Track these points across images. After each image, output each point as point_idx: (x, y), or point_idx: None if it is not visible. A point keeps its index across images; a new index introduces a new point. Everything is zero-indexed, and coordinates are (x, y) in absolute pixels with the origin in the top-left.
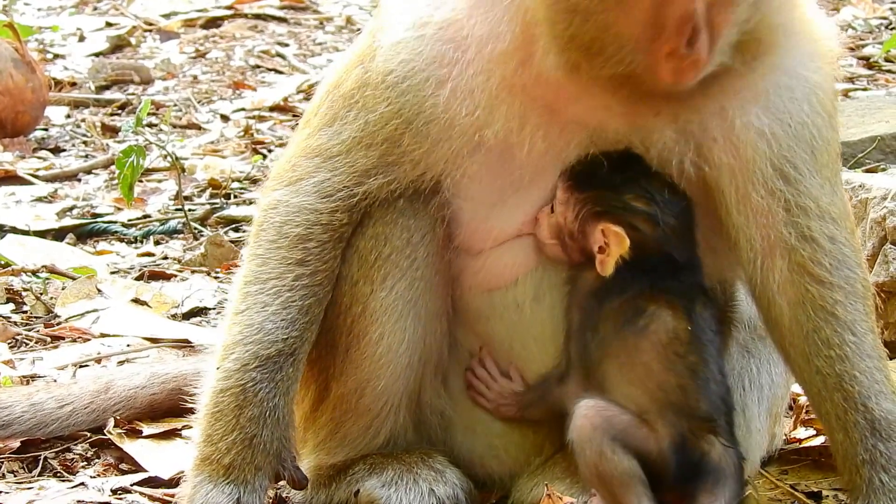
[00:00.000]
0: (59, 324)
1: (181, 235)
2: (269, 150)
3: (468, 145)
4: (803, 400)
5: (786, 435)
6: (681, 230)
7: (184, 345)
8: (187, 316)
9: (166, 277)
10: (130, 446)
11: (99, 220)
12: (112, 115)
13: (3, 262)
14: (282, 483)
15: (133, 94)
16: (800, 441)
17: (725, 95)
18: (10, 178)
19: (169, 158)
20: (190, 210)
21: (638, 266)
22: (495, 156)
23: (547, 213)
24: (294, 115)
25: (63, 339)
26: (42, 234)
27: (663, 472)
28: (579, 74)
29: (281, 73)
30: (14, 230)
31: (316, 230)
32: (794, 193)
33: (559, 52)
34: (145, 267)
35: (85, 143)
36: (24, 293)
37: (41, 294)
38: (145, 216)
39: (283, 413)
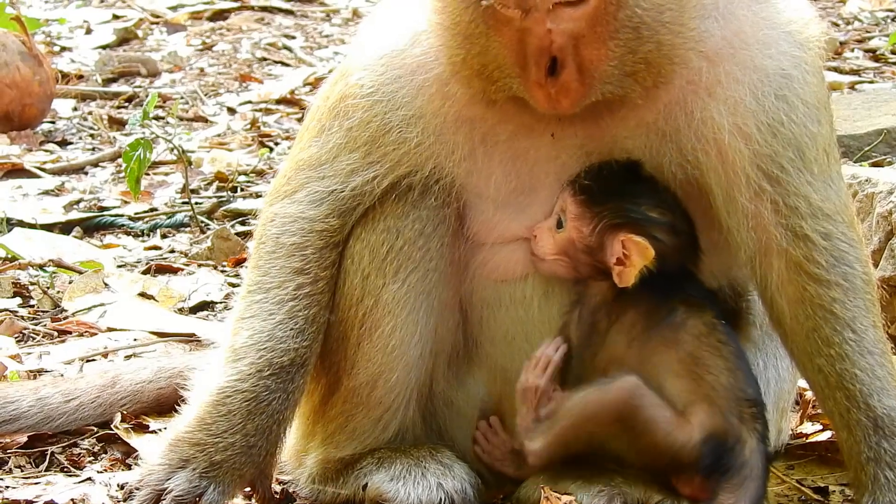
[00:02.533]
0: (65, 318)
1: (188, 229)
2: (276, 143)
3: (458, 150)
4: (810, 395)
5: (792, 430)
6: (691, 237)
7: (191, 339)
8: (194, 310)
9: (173, 271)
10: (137, 441)
11: (106, 213)
12: (119, 107)
13: (9, 256)
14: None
15: (140, 86)
16: (806, 436)
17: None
18: (16, 171)
19: (176, 151)
20: (197, 203)
21: (653, 275)
22: (497, 157)
23: (549, 228)
24: (301, 108)
25: (70, 333)
26: (49, 227)
27: (688, 462)
28: (485, 100)
29: (288, 65)
30: (21, 223)
31: (312, 238)
32: (781, 193)
33: (459, 80)
34: (152, 261)
35: (92, 136)
36: (30, 287)
37: (48, 288)
38: (152, 209)
39: (286, 428)
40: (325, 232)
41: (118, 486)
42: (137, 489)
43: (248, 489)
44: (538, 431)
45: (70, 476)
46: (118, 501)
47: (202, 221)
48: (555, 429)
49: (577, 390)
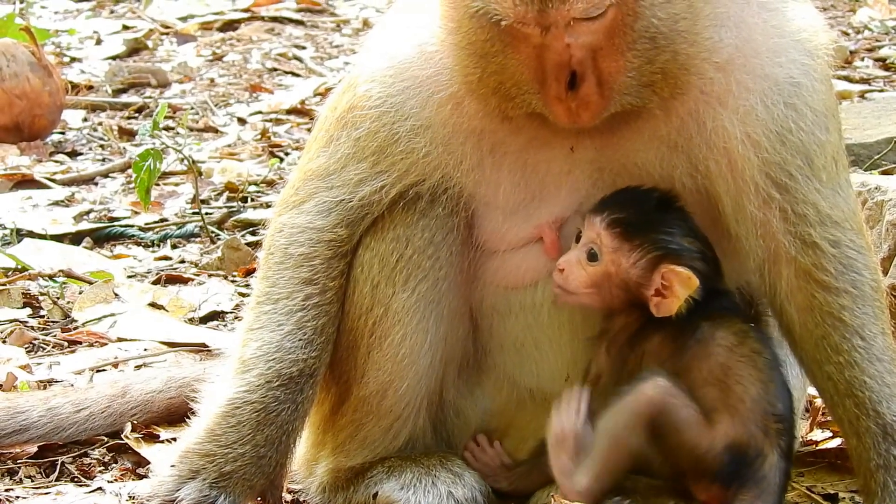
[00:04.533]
0: (75, 328)
1: (198, 239)
2: (286, 154)
3: (465, 160)
4: (820, 402)
5: (802, 437)
6: (716, 261)
7: (201, 349)
8: (204, 320)
9: (183, 281)
10: (148, 451)
11: (116, 223)
12: (129, 118)
13: (20, 267)
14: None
15: (150, 97)
16: (816, 443)
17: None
18: (26, 182)
19: (186, 162)
20: (207, 214)
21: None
22: (506, 168)
23: (579, 262)
24: (311, 118)
25: (80, 343)
26: (59, 238)
27: (708, 469)
28: (500, 115)
29: (298, 75)
30: (31, 234)
31: (320, 248)
32: (790, 201)
33: (475, 98)
34: (162, 271)
35: (102, 146)
36: (40, 297)
37: (58, 298)
38: (162, 220)
39: (296, 438)
40: (333, 242)
41: (129, 495)
42: (148, 500)
43: (258, 499)
44: (580, 470)
45: (80, 486)
46: None
47: (212, 232)
48: (596, 458)
49: (606, 411)
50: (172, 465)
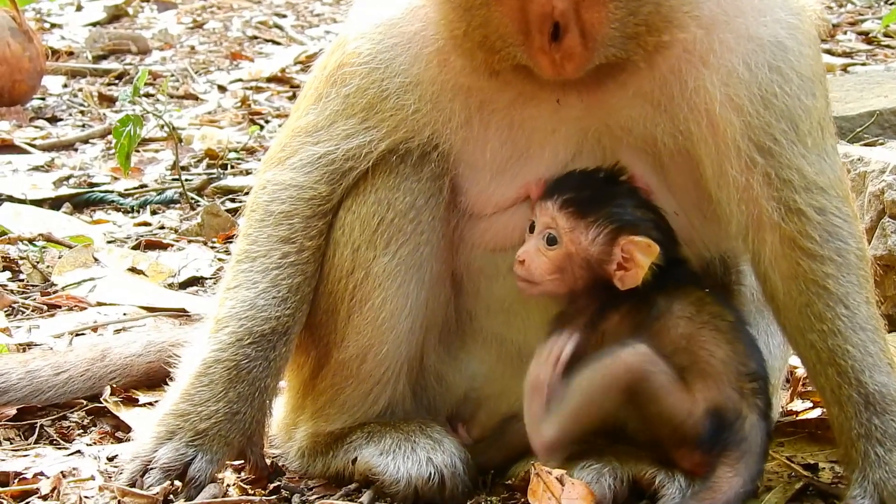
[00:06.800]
0: (55, 292)
1: (178, 205)
2: (266, 121)
3: (454, 118)
4: (800, 372)
5: (783, 407)
6: (670, 231)
7: (180, 314)
8: (184, 285)
9: (163, 247)
10: (126, 414)
11: (96, 189)
12: (109, 84)
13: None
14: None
15: (130, 63)
16: (796, 413)
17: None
18: (6, 147)
19: (166, 128)
20: (187, 180)
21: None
22: (493, 125)
23: (538, 249)
24: (291, 86)
25: (59, 307)
26: (39, 202)
27: (689, 436)
28: (487, 71)
29: (279, 43)
30: (10, 199)
31: (300, 205)
32: (774, 166)
33: (461, 52)
34: (142, 236)
35: (82, 112)
36: (20, 262)
37: (38, 262)
38: (142, 186)
39: (271, 396)
40: (313, 200)
41: (107, 458)
42: (126, 463)
43: (240, 462)
44: (549, 419)
45: (59, 449)
46: (107, 474)
47: (192, 198)
48: (566, 413)
49: (583, 368)
50: (150, 429)
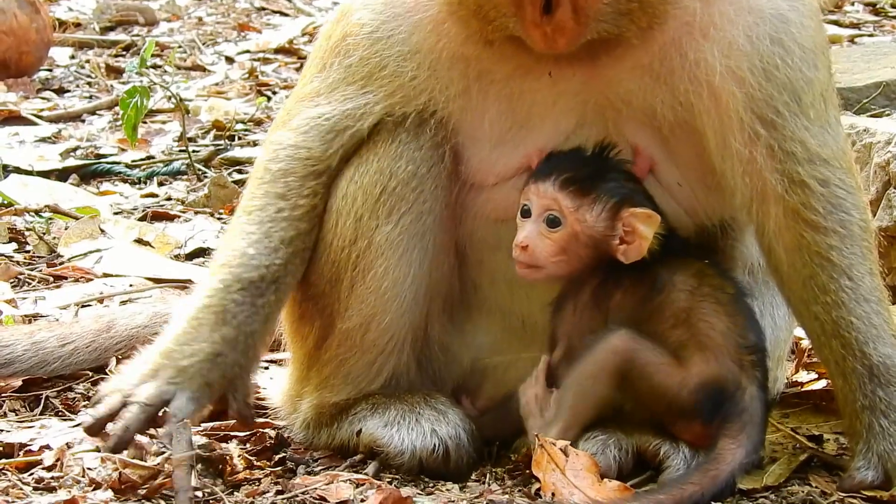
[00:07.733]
0: (61, 263)
1: (185, 176)
2: (274, 93)
3: (452, 86)
4: (805, 343)
5: (788, 378)
6: (655, 202)
7: (186, 285)
8: (190, 256)
9: (169, 218)
10: None
11: (102, 160)
12: (116, 56)
13: (6, 202)
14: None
15: (137, 35)
16: (801, 385)
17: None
18: (13, 119)
19: (173, 100)
20: (194, 151)
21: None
22: (492, 96)
23: (540, 233)
24: (299, 58)
25: (65, 278)
26: (45, 174)
27: (685, 408)
28: (482, 40)
29: (286, 15)
30: (17, 170)
31: (296, 164)
32: (777, 138)
33: (456, 20)
34: (148, 208)
35: (89, 83)
36: (27, 233)
37: (44, 234)
38: (149, 157)
39: (257, 342)
40: (308, 160)
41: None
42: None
43: (223, 405)
44: (549, 422)
45: (65, 420)
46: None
47: (199, 169)
48: (564, 411)
49: (572, 368)
50: (135, 366)
